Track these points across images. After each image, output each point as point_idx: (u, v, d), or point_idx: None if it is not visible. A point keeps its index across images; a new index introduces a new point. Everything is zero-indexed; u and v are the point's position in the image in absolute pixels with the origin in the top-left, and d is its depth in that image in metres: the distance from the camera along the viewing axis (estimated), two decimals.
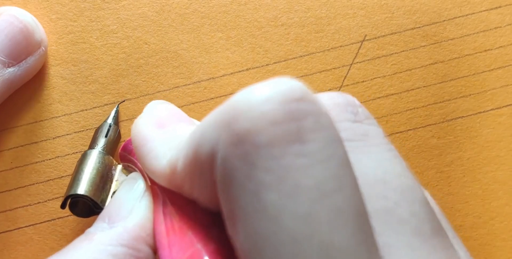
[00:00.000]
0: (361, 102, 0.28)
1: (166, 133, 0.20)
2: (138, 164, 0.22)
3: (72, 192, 0.23)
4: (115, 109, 0.26)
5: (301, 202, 0.14)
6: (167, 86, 0.28)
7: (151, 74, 0.28)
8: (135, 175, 0.22)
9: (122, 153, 0.24)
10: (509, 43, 0.29)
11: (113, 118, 0.26)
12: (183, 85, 0.28)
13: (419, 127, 0.28)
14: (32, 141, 0.27)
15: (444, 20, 0.29)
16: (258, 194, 0.14)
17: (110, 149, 0.25)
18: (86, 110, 0.28)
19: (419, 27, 0.29)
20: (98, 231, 0.20)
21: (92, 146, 0.25)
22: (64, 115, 0.27)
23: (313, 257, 0.14)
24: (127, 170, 0.24)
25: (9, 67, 0.25)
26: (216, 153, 0.15)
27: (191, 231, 0.18)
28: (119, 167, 0.24)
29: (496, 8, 0.29)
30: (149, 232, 0.20)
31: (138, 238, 0.20)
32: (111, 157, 0.25)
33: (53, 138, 0.27)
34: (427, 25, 0.29)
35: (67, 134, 0.27)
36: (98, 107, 0.28)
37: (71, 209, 0.24)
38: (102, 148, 0.25)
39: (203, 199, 0.18)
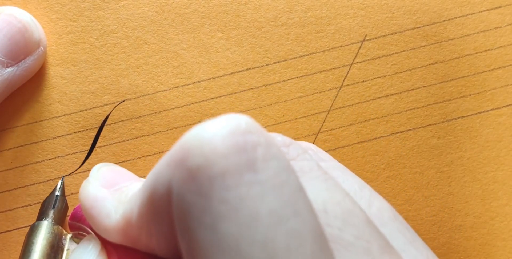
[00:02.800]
0: (361, 102, 0.28)
1: (116, 192, 0.20)
2: (89, 230, 0.23)
3: None
4: (60, 181, 0.27)
5: (258, 230, 0.14)
6: (167, 86, 0.28)
7: (151, 74, 0.28)
8: (89, 237, 0.22)
9: (71, 222, 0.24)
10: (509, 43, 0.29)
11: (59, 190, 0.27)
12: (183, 85, 0.28)
13: (419, 127, 0.28)
14: (32, 141, 0.27)
15: (444, 20, 0.29)
16: (215, 226, 0.15)
17: (59, 220, 0.26)
18: (86, 110, 0.27)
19: (419, 27, 0.29)
20: None
21: (40, 217, 0.25)
22: (64, 115, 0.27)
23: None
24: (78, 238, 0.24)
25: (8, 67, 0.25)
26: (171, 192, 0.16)
27: None
28: (69, 236, 0.25)
29: (496, 8, 0.29)
30: None
31: None
32: (60, 227, 0.25)
33: (53, 138, 0.27)
34: (427, 25, 0.29)
35: (67, 134, 0.27)
36: (98, 107, 0.28)
37: None
38: (51, 219, 0.25)
39: (160, 248, 0.18)
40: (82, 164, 0.26)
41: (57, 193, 0.26)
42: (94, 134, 0.27)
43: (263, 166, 0.15)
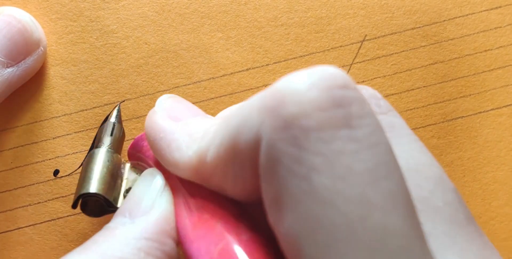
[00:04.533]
0: None
1: (186, 125, 0.20)
2: (149, 161, 0.22)
3: (84, 191, 0.22)
4: (117, 107, 0.26)
5: (354, 186, 0.14)
6: (167, 86, 0.28)
7: (151, 74, 0.28)
8: (152, 171, 0.21)
9: (131, 151, 0.23)
10: (509, 43, 0.29)
11: (116, 117, 0.26)
12: (183, 85, 0.28)
13: (419, 127, 0.28)
14: (32, 141, 0.27)
15: (444, 20, 0.29)
16: (308, 177, 0.14)
17: (117, 148, 0.25)
18: (86, 110, 0.28)
19: (419, 27, 0.29)
20: (120, 225, 0.20)
21: (98, 145, 0.24)
22: (64, 115, 0.27)
23: (367, 238, 0.14)
24: (136, 168, 0.24)
25: (7, 67, 0.25)
26: (261, 139, 0.15)
27: (220, 223, 0.18)
28: (128, 165, 0.24)
29: (496, 8, 0.29)
30: (172, 225, 0.19)
31: (162, 232, 0.19)
32: (119, 155, 0.24)
33: (53, 138, 0.27)
34: (427, 25, 0.29)
35: (67, 134, 0.27)
36: (98, 107, 0.28)
37: (82, 208, 0.23)
38: (109, 147, 0.24)
39: (235, 190, 0.18)
40: (82, 164, 0.26)
41: (114, 120, 0.25)
42: (94, 134, 0.27)
43: (359, 123, 0.15)
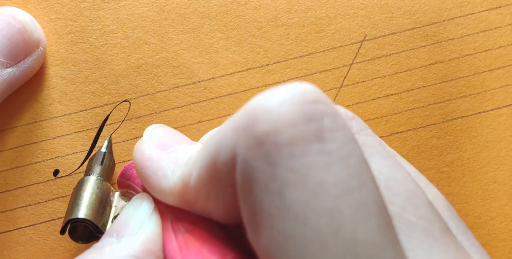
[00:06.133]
0: (361, 102, 0.28)
1: (172, 153, 0.20)
2: (138, 188, 0.23)
3: (72, 217, 0.23)
4: (108, 138, 0.27)
5: (325, 199, 0.14)
6: (167, 86, 0.28)
7: (151, 74, 0.28)
8: (141, 195, 0.22)
9: (120, 179, 0.24)
10: (509, 43, 0.29)
11: (106, 147, 0.26)
12: (183, 85, 0.28)
13: (419, 127, 0.28)
14: (32, 141, 0.27)
15: (444, 20, 0.29)
16: (281, 193, 0.15)
17: (106, 176, 0.25)
18: (86, 110, 0.27)
19: (419, 27, 0.29)
20: (107, 245, 0.20)
21: (88, 173, 0.25)
22: (64, 115, 0.27)
23: (339, 252, 0.14)
24: (126, 196, 0.24)
25: (7, 67, 0.25)
26: (236, 158, 0.16)
27: (206, 246, 0.18)
28: (117, 193, 0.25)
29: (496, 8, 0.29)
30: (159, 247, 0.20)
31: (149, 252, 0.20)
32: (108, 183, 0.25)
33: (53, 138, 0.27)
34: (427, 25, 0.29)
35: (67, 134, 0.27)
36: (98, 107, 0.28)
37: (70, 234, 0.24)
38: (99, 175, 0.25)
39: (218, 212, 0.18)
40: (82, 164, 0.26)
41: (104, 150, 0.26)
42: (94, 134, 0.27)
43: (330, 137, 0.15)
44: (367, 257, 0.14)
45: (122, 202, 0.24)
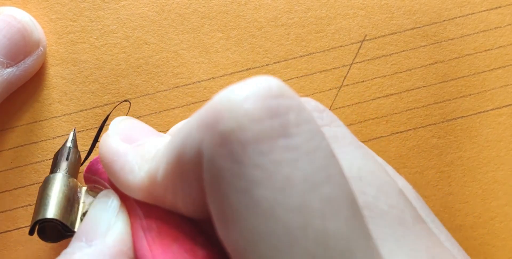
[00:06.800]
0: (361, 102, 0.28)
1: (139, 147, 0.20)
2: (106, 183, 0.22)
3: (40, 217, 0.22)
4: (72, 132, 0.26)
5: (293, 195, 0.14)
6: (167, 86, 0.28)
7: (151, 74, 0.28)
8: (106, 192, 0.21)
9: (86, 174, 0.24)
10: (509, 43, 0.29)
11: (71, 141, 0.26)
12: (183, 85, 0.28)
13: (419, 127, 0.28)
14: (32, 141, 0.27)
15: (444, 20, 0.29)
16: (249, 191, 0.15)
17: (73, 172, 0.25)
18: (86, 110, 0.27)
19: (419, 27, 0.29)
20: (77, 250, 0.20)
21: (53, 170, 0.25)
22: (64, 115, 0.27)
23: (309, 246, 0.14)
24: (93, 191, 0.24)
25: (7, 67, 0.25)
26: (202, 155, 0.16)
27: (176, 243, 0.18)
28: (84, 189, 0.24)
29: (496, 8, 0.29)
30: (129, 246, 0.20)
31: (120, 253, 0.19)
32: (75, 180, 0.24)
33: (53, 138, 0.27)
34: (427, 25, 0.29)
35: (67, 134, 0.27)
36: (98, 107, 0.28)
37: (39, 235, 0.23)
38: (65, 171, 0.24)
39: (186, 207, 0.18)
40: (82, 164, 0.26)
41: (69, 145, 0.26)
42: (94, 134, 0.27)
43: (296, 131, 0.15)
44: (337, 250, 0.14)
45: (90, 198, 0.24)
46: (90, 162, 0.23)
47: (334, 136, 0.19)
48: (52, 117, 0.27)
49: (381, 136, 0.28)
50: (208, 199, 0.16)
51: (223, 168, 0.15)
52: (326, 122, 0.20)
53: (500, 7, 0.29)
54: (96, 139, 0.26)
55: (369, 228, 0.16)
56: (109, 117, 0.27)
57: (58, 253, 0.26)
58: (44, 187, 0.24)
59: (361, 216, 0.15)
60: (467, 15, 0.29)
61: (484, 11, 0.29)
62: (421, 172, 0.28)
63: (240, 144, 0.15)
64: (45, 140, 0.27)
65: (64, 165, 0.25)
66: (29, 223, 0.27)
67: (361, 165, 0.18)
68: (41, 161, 0.27)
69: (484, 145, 0.28)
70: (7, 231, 0.27)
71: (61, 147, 0.26)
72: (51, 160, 0.27)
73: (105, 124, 0.27)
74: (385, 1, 0.29)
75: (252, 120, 0.15)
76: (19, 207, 0.27)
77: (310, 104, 0.20)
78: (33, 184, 0.27)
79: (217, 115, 0.15)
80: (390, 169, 0.21)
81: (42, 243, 0.27)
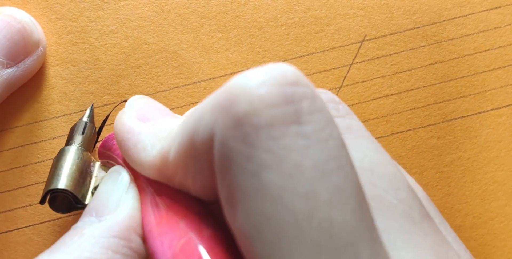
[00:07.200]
0: (361, 103, 0.28)
1: (153, 126, 0.20)
2: (119, 159, 0.23)
3: (52, 187, 0.23)
4: (90, 107, 0.27)
5: (301, 181, 0.15)
6: (167, 86, 0.28)
7: (151, 74, 0.28)
8: (118, 168, 0.22)
9: (101, 149, 0.24)
10: (509, 43, 0.29)
11: (88, 116, 0.26)
12: (183, 85, 0.28)
13: (419, 127, 0.28)
14: (31, 141, 0.27)
15: (444, 20, 0.29)
16: (258, 174, 0.15)
17: (87, 146, 0.25)
18: (85, 110, 0.28)
19: (419, 27, 0.29)
20: (87, 225, 0.20)
21: (68, 143, 0.25)
22: (64, 115, 0.27)
23: (313, 234, 0.14)
24: (106, 166, 0.24)
25: (7, 68, 0.25)
26: (214, 137, 0.16)
27: (183, 220, 0.18)
28: (98, 163, 0.24)
29: (496, 8, 0.29)
30: (138, 222, 0.20)
31: (129, 229, 0.20)
32: (89, 154, 0.25)
33: (53, 138, 0.27)
34: (427, 25, 0.29)
35: (67, 135, 0.27)
36: (98, 107, 0.28)
37: (50, 204, 0.23)
38: (79, 145, 0.24)
39: (195, 188, 0.18)
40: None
41: (86, 119, 0.26)
42: None
43: (309, 119, 0.15)
44: (341, 240, 0.14)
45: (103, 173, 0.24)
46: (106, 137, 0.24)
47: (348, 127, 0.19)
48: (52, 118, 0.27)
49: (381, 136, 0.28)
50: (217, 180, 0.16)
51: (234, 150, 0.15)
52: (341, 114, 0.20)
53: (500, 7, 0.29)
54: (96, 139, 0.26)
55: (375, 221, 0.16)
56: (109, 117, 0.27)
57: None
58: (58, 158, 0.24)
59: (367, 208, 0.15)
60: (467, 15, 0.29)
61: (484, 11, 0.29)
62: (421, 173, 0.28)
63: (253, 127, 0.15)
64: (44, 140, 0.27)
65: (79, 139, 0.25)
66: (29, 223, 0.27)
67: (374, 157, 0.18)
68: (41, 161, 0.27)
69: (484, 145, 0.28)
70: (6, 232, 0.27)
71: (77, 122, 0.26)
72: (51, 161, 0.27)
73: (105, 124, 0.27)
74: (385, 1, 0.29)
75: (266, 105, 0.15)
76: (19, 208, 0.27)
77: (327, 95, 0.20)
78: (32, 184, 0.27)
79: (232, 98, 0.15)
80: (400, 169, 0.21)
81: (41, 243, 0.27)
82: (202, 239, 0.17)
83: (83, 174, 0.23)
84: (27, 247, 0.27)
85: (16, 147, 0.27)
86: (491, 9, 0.29)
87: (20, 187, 0.27)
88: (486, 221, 0.28)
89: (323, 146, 0.15)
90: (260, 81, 0.15)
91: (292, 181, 0.15)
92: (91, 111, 0.26)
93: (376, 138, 0.28)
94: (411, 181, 0.21)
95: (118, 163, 0.23)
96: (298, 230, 0.14)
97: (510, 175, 0.28)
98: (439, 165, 0.28)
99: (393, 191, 0.18)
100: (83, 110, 0.27)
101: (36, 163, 0.27)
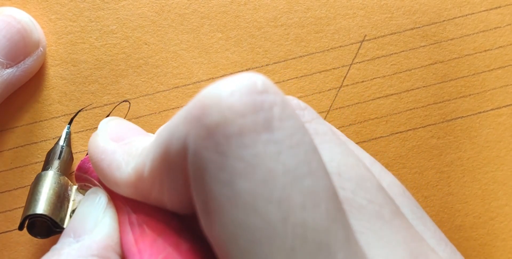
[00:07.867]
0: (360, 103, 0.28)
1: (126, 145, 0.20)
2: (95, 181, 0.23)
3: (30, 212, 0.23)
4: (65, 130, 0.27)
5: (274, 188, 0.15)
6: (167, 86, 0.28)
7: (151, 74, 0.28)
8: (95, 190, 0.22)
9: (77, 173, 0.24)
10: (509, 43, 0.29)
11: (64, 140, 0.26)
12: (183, 85, 0.28)
13: (419, 127, 0.28)
14: (31, 142, 0.27)
15: (444, 20, 0.29)
16: (231, 183, 0.15)
17: (64, 170, 0.25)
18: (86, 110, 0.28)
19: (419, 27, 0.29)
20: (66, 246, 0.20)
21: (45, 168, 0.25)
22: (64, 115, 0.28)
23: (288, 239, 0.14)
24: (84, 189, 0.24)
25: (7, 68, 0.25)
26: (187, 148, 0.16)
27: (161, 237, 0.18)
28: (75, 187, 0.25)
29: (496, 8, 0.29)
30: (116, 241, 0.20)
31: (107, 247, 0.20)
32: (66, 178, 0.25)
33: (53, 139, 0.27)
34: (427, 25, 0.29)
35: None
36: (98, 107, 0.28)
37: (29, 230, 0.24)
38: (56, 169, 0.25)
39: (172, 202, 0.18)
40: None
41: (62, 143, 0.26)
42: None
43: (279, 126, 0.16)
44: (316, 242, 0.15)
45: (80, 196, 0.24)
46: (81, 160, 0.24)
47: (315, 132, 0.19)
48: (52, 118, 0.27)
49: (381, 137, 0.28)
50: (192, 192, 0.16)
51: (207, 160, 0.15)
52: (307, 119, 0.20)
53: (500, 7, 0.29)
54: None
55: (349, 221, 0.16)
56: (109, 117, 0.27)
57: None
58: (35, 183, 0.24)
59: (342, 209, 0.16)
60: (466, 15, 0.29)
61: (484, 11, 0.29)
62: (421, 173, 0.28)
63: (224, 137, 0.15)
64: (45, 140, 0.27)
65: (56, 163, 0.25)
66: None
67: (340, 161, 0.19)
68: (41, 161, 0.27)
69: (484, 145, 0.28)
70: (6, 232, 0.27)
71: (54, 146, 0.26)
72: None
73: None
74: (385, 1, 0.29)
75: (237, 114, 0.15)
76: (19, 208, 0.27)
77: (292, 101, 0.21)
78: None
79: (204, 109, 0.16)
80: (378, 166, 0.21)
81: (42, 243, 0.27)
82: (180, 253, 0.18)
83: (60, 198, 0.24)
84: (27, 247, 0.27)
85: (16, 147, 0.27)
86: (491, 9, 0.29)
87: (20, 187, 0.27)
88: (486, 221, 0.28)
89: (294, 151, 0.15)
90: (230, 90, 0.16)
91: (265, 188, 0.15)
92: (67, 134, 0.27)
93: (375, 138, 0.28)
94: (389, 177, 0.21)
95: (95, 185, 0.23)
96: (273, 236, 0.14)
97: (510, 175, 0.28)
98: (439, 165, 0.28)
99: (362, 192, 0.18)
100: (83, 110, 0.27)
101: (36, 163, 0.27)
